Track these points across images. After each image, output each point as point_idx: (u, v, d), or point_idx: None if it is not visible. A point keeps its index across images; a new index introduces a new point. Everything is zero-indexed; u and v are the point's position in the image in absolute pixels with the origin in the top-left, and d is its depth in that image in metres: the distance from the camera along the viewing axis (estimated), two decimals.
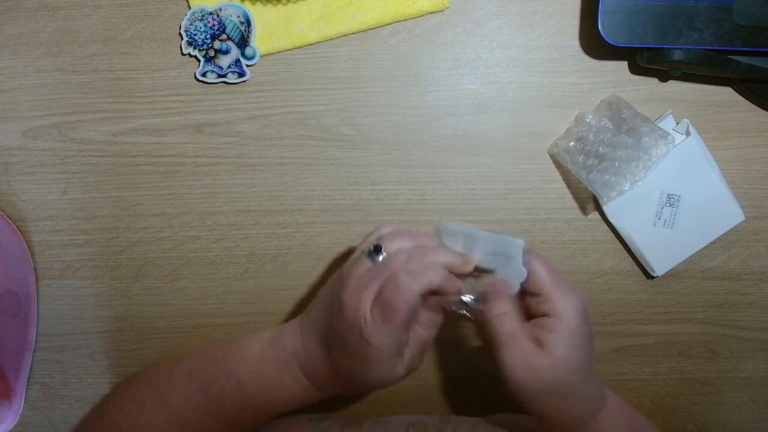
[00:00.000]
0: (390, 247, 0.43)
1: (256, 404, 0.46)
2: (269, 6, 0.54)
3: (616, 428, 0.45)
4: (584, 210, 0.57)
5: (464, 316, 0.45)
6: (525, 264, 0.42)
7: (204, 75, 0.55)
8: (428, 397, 0.59)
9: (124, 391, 0.51)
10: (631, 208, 0.54)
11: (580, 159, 0.53)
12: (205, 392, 0.46)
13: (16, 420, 0.58)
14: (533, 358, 0.41)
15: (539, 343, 0.41)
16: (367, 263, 0.43)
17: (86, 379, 0.59)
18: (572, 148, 0.54)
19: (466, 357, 0.59)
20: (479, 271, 0.44)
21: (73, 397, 0.60)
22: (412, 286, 0.39)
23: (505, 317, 0.42)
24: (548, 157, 0.56)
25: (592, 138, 0.53)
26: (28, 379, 0.59)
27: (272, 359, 0.46)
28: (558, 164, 0.56)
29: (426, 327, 0.44)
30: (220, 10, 0.54)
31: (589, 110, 0.55)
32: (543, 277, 0.42)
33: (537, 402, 0.42)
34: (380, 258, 0.42)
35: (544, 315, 0.42)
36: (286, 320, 0.58)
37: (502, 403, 0.59)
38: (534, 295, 0.43)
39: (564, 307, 0.41)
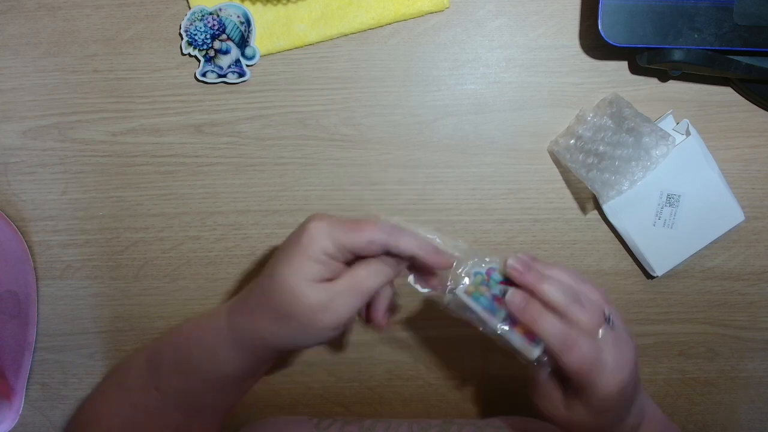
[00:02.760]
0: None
1: (182, 359, 0.44)
2: (269, 6, 0.54)
3: None
4: (584, 210, 0.57)
5: (467, 318, 0.43)
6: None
7: (204, 75, 0.55)
8: (429, 398, 0.59)
9: (96, 387, 0.51)
10: (631, 208, 0.54)
11: (580, 157, 0.53)
12: (148, 363, 0.46)
13: (16, 420, 0.58)
14: (569, 410, 0.40)
15: (576, 393, 0.39)
16: None
17: (86, 379, 0.59)
18: (572, 146, 0.54)
19: (466, 358, 0.59)
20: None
21: (73, 397, 0.60)
22: (391, 236, 0.39)
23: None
24: (548, 157, 0.56)
25: (592, 136, 0.53)
26: (28, 379, 0.59)
27: (209, 314, 0.45)
28: (557, 162, 0.56)
29: (374, 275, 0.40)
30: (220, 10, 0.54)
31: (589, 108, 0.55)
32: (582, 374, 0.38)
33: None
34: None
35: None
36: None
37: (503, 404, 0.59)
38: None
39: (604, 391, 0.38)
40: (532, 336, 0.39)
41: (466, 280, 0.41)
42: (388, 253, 0.40)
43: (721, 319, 0.58)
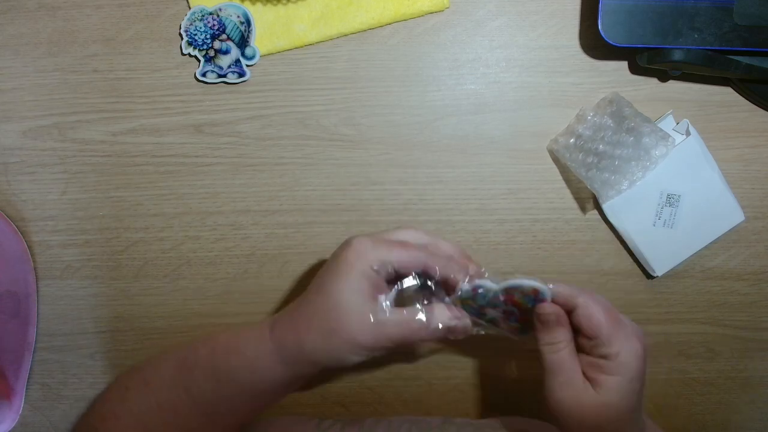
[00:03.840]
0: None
1: (218, 368, 0.44)
2: (269, 6, 0.54)
3: None
4: (584, 210, 0.57)
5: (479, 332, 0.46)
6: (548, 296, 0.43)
7: (204, 75, 0.55)
8: (429, 398, 0.59)
9: (115, 381, 0.51)
10: (631, 208, 0.54)
11: (580, 156, 0.53)
12: (181, 365, 0.46)
13: (16, 420, 0.58)
14: (583, 394, 0.40)
15: (593, 380, 0.41)
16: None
17: (86, 379, 0.59)
18: (572, 145, 0.54)
19: (466, 358, 0.59)
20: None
21: (73, 397, 0.60)
22: (415, 250, 0.42)
23: (557, 346, 0.42)
24: (548, 157, 0.56)
25: (592, 135, 0.53)
26: (28, 379, 0.59)
27: (250, 329, 0.45)
28: (557, 161, 0.56)
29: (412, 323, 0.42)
30: (220, 10, 0.54)
31: (590, 108, 0.55)
32: (601, 322, 0.40)
33: None
34: None
35: (601, 357, 0.41)
36: None
37: (503, 404, 0.59)
38: (590, 337, 0.41)
39: (625, 354, 0.40)
40: (515, 331, 0.46)
41: (455, 297, 0.44)
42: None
43: (721, 319, 0.58)
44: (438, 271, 0.42)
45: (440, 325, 0.42)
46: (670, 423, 0.60)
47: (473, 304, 0.44)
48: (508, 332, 0.46)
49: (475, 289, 0.43)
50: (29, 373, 0.59)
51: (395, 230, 0.44)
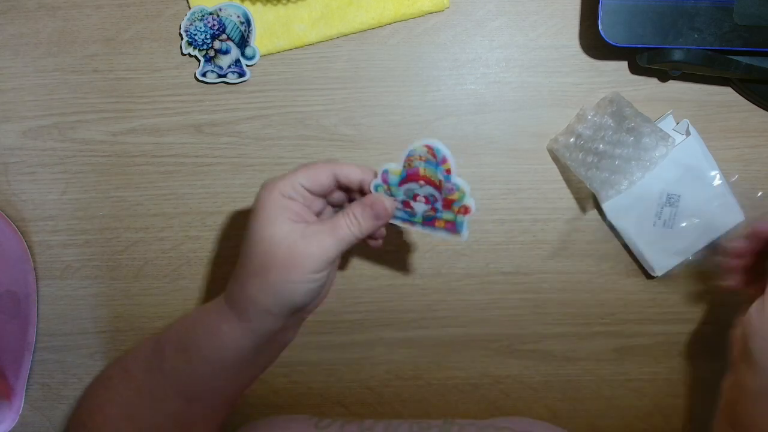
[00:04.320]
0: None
1: (186, 345, 0.44)
2: (269, 6, 0.54)
3: None
4: (584, 210, 0.57)
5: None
6: None
7: (204, 75, 0.55)
8: (429, 398, 0.59)
9: (100, 374, 0.51)
10: (631, 208, 0.54)
11: (580, 156, 0.53)
12: (155, 346, 0.46)
13: (16, 420, 0.58)
14: None
15: None
16: None
17: (86, 379, 0.59)
18: (572, 144, 0.54)
19: (466, 358, 0.59)
20: None
21: (73, 397, 0.60)
22: (334, 165, 0.42)
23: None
24: (548, 157, 0.56)
25: (592, 135, 0.53)
26: (28, 379, 0.59)
27: (214, 301, 0.45)
28: (556, 160, 0.56)
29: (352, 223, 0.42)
30: (220, 10, 0.54)
31: (590, 107, 0.55)
32: None
33: None
34: None
35: None
36: None
37: (503, 404, 0.59)
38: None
39: None
40: (452, 225, 0.42)
41: None
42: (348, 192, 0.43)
43: (722, 319, 0.58)
44: (348, 174, 0.42)
45: (362, 213, 0.42)
46: (670, 423, 0.60)
47: (396, 201, 0.42)
48: (447, 233, 0.42)
49: (383, 174, 0.41)
50: (29, 373, 0.59)
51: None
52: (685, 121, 0.54)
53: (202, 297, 0.58)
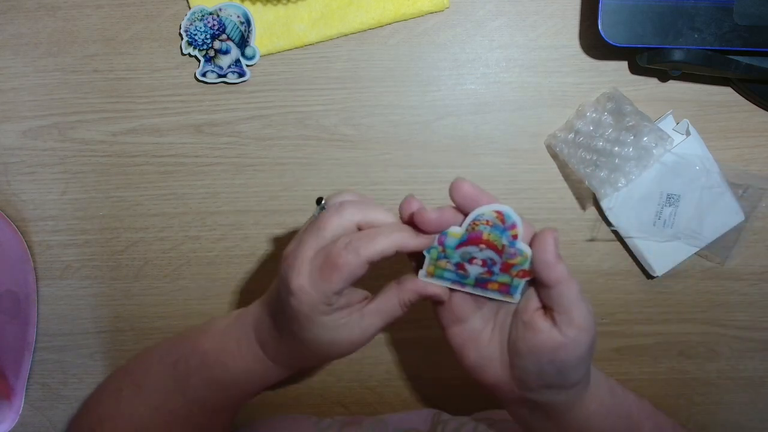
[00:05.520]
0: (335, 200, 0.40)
1: (216, 378, 0.45)
2: (269, 6, 0.54)
3: (599, 406, 0.42)
4: (584, 209, 0.57)
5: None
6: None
7: (204, 75, 0.55)
8: (429, 398, 0.59)
9: (107, 383, 0.51)
10: (632, 208, 0.54)
11: (578, 153, 0.53)
12: (173, 371, 0.46)
13: (16, 420, 0.58)
14: (558, 332, 0.37)
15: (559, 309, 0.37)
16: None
17: (86, 379, 0.59)
18: (571, 140, 0.54)
19: None
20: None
21: (73, 397, 0.60)
22: (362, 250, 0.36)
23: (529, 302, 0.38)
24: (548, 157, 0.56)
25: (591, 132, 0.53)
26: (28, 379, 0.59)
27: (234, 332, 0.45)
28: (555, 156, 0.56)
29: (386, 299, 0.40)
30: (220, 10, 0.54)
31: (589, 104, 0.55)
32: (573, 292, 0.36)
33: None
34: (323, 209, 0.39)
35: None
36: None
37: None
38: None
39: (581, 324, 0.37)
40: (505, 288, 0.39)
41: (426, 261, 0.39)
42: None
43: (722, 319, 0.58)
44: (389, 248, 0.37)
45: (411, 296, 0.39)
46: None
47: (448, 264, 0.39)
48: (500, 294, 0.40)
49: (440, 239, 0.38)
50: (29, 373, 0.59)
51: (325, 228, 0.38)
52: (685, 121, 0.54)
53: (202, 297, 0.58)
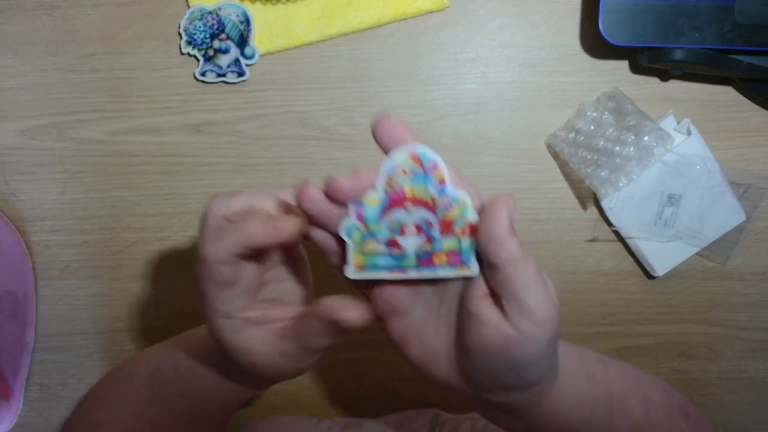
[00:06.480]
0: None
1: (190, 389, 0.43)
2: (269, 5, 0.54)
3: (572, 394, 0.36)
4: (584, 209, 0.57)
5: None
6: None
7: (203, 74, 0.55)
8: (428, 398, 0.59)
9: (96, 388, 0.51)
10: (632, 208, 0.54)
11: (579, 152, 0.53)
12: (152, 380, 0.45)
13: (14, 420, 0.58)
14: (512, 326, 0.30)
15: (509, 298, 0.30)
16: None
17: (85, 380, 0.59)
18: (571, 139, 0.54)
19: None
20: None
21: (71, 398, 0.59)
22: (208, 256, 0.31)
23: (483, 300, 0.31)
24: (548, 157, 0.56)
25: (592, 131, 0.53)
26: (27, 379, 0.59)
27: (207, 341, 0.41)
28: (555, 156, 0.56)
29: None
30: (220, 9, 0.54)
31: (590, 103, 0.54)
32: (526, 275, 0.30)
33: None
34: None
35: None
36: None
37: None
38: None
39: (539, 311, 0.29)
40: (455, 256, 0.31)
41: (349, 250, 0.31)
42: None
43: (722, 320, 0.58)
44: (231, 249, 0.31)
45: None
46: None
47: (377, 245, 0.31)
48: (452, 269, 0.31)
49: (357, 210, 0.31)
50: (28, 374, 0.59)
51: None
52: (686, 120, 0.54)
53: None
